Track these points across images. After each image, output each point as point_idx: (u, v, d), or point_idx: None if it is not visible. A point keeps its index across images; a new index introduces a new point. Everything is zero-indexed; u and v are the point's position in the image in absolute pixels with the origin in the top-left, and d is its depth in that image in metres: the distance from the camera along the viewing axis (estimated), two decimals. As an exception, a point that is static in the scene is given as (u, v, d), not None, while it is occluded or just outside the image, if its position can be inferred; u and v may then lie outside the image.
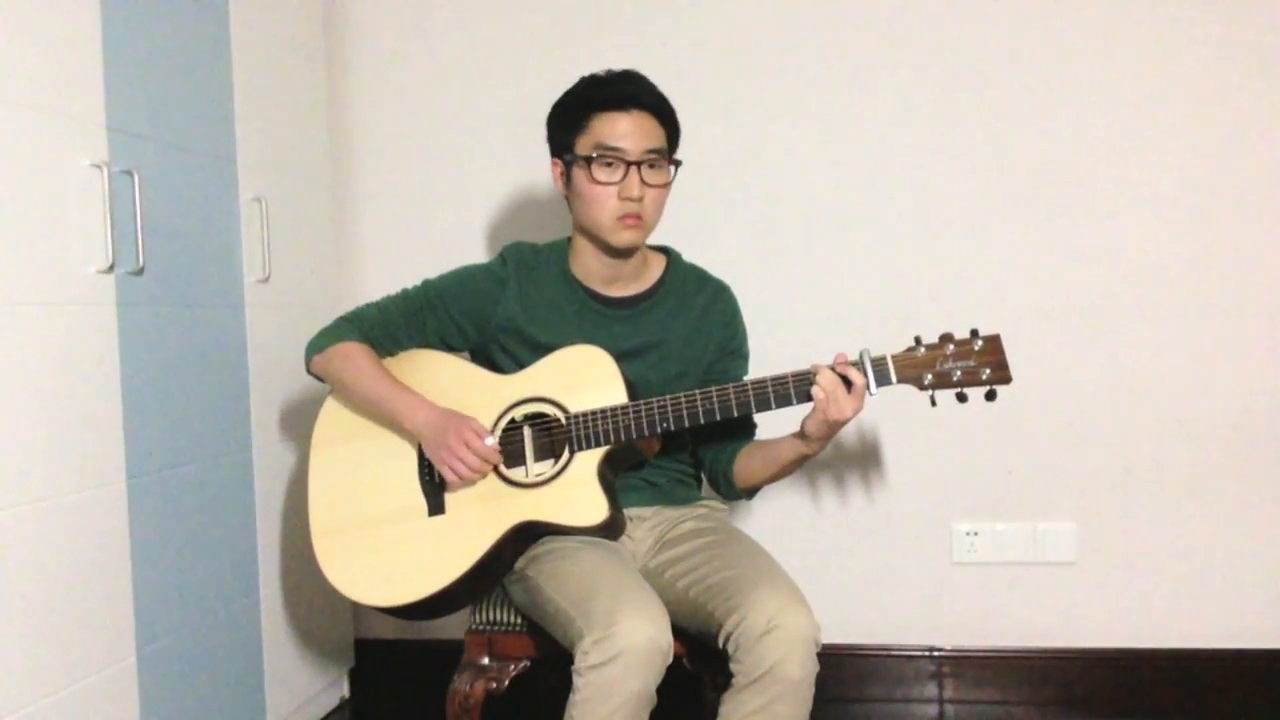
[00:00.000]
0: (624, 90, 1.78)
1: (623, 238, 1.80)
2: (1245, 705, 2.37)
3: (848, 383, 1.67)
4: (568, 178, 1.83)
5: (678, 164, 1.83)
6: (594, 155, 1.76)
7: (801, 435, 1.76)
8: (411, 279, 1.95)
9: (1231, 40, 2.33)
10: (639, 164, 1.77)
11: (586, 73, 1.85)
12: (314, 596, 2.31)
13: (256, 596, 2.13)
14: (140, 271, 1.76)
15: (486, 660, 1.86)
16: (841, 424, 1.70)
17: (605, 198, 1.77)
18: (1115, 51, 2.37)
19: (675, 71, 1.91)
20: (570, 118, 1.81)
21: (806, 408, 1.72)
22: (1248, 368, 2.36)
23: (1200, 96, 2.35)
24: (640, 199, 1.77)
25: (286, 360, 2.14)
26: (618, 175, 1.77)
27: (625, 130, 1.77)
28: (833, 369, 1.69)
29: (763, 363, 1.94)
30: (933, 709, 2.45)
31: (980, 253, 2.41)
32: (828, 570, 2.47)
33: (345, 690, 2.56)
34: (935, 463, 2.44)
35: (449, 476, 1.76)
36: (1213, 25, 2.33)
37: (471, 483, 1.78)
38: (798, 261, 2.46)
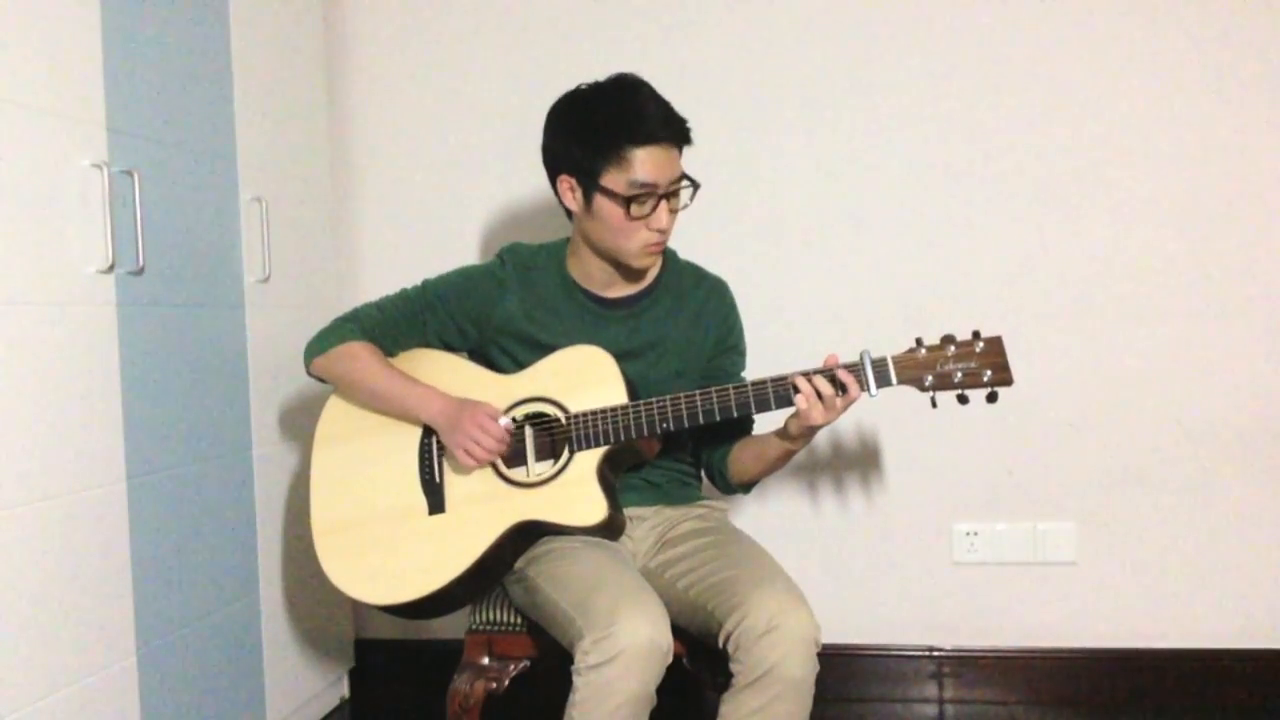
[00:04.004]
0: (658, 124, 1.73)
1: (646, 263, 1.82)
2: (1246, 705, 2.37)
3: (841, 386, 1.68)
4: (587, 199, 1.78)
5: (697, 186, 1.81)
6: (634, 195, 1.73)
7: (785, 434, 1.78)
8: (411, 279, 1.95)
9: (1232, 40, 2.33)
10: (667, 195, 1.76)
11: (587, 75, 1.83)
12: (314, 596, 2.31)
13: (256, 596, 2.13)
14: (140, 271, 1.76)
15: (486, 660, 1.86)
16: (818, 428, 1.72)
17: (635, 230, 1.76)
18: (1116, 52, 2.36)
19: (678, 72, 1.91)
20: (598, 144, 1.73)
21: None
22: (1247, 368, 2.36)
23: (1201, 97, 2.35)
24: (667, 229, 1.78)
25: (286, 360, 2.13)
26: (648, 209, 1.75)
27: (659, 163, 1.73)
28: (832, 373, 1.69)
29: (765, 362, 1.94)
30: (933, 709, 2.45)
31: (982, 254, 2.41)
32: (828, 570, 2.47)
33: (345, 690, 2.56)
34: (935, 463, 2.44)
35: (464, 460, 1.76)
36: (1213, 25, 2.33)
37: (485, 464, 1.77)
38: (800, 261, 2.46)
